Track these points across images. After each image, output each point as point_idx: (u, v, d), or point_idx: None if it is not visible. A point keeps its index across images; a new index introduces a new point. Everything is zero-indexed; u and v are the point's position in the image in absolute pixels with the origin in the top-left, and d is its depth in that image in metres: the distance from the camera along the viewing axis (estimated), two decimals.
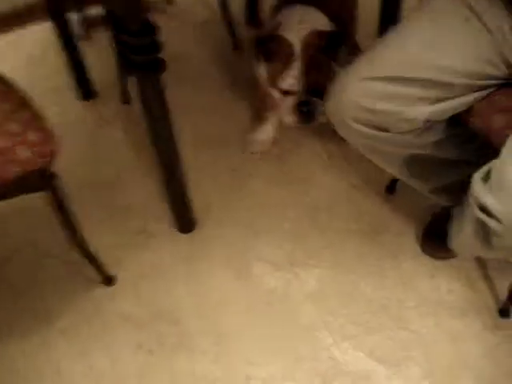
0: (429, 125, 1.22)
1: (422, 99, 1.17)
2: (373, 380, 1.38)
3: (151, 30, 1.21)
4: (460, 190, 1.35)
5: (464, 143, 1.29)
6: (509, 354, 1.40)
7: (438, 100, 1.18)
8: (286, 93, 1.59)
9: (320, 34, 1.55)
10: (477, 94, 1.19)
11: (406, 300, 1.51)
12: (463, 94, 1.18)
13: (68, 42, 1.92)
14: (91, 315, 1.51)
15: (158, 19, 2.24)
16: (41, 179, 1.24)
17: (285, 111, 1.63)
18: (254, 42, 1.60)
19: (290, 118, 1.63)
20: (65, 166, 1.78)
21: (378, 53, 1.21)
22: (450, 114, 1.21)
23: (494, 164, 1.03)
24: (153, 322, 1.50)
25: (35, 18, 2.12)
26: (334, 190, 1.77)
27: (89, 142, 1.94)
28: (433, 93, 1.16)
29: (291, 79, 1.55)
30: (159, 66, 1.26)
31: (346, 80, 1.22)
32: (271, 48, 1.57)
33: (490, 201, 1.01)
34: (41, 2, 1.85)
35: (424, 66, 1.15)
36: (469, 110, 1.21)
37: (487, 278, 1.54)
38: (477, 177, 1.06)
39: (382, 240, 1.63)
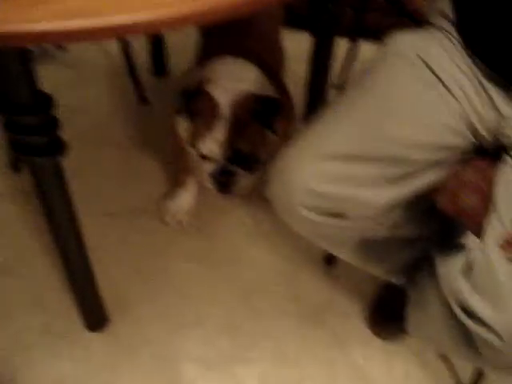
0: (389, 207, 1.03)
1: (379, 179, 0.98)
2: None
3: (46, 102, 0.96)
4: (415, 268, 1.19)
5: (427, 220, 1.12)
6: None
7: (397, 179, 0.99)
8: (204, 157, 1.38)
9: (254, 98, 1.34)
10: (439, 170, 1.02)
11: None
12: (424, 170, 1.00)
13: None
14: None
15: (46, 69, 2.04)
16: None
17: (202, 177, 1.42)
18: (178, 95, 1.36)
19: (207, 184, 1.42)
20: None
21: (328, 126, 1.01)
22: (412, 195, 1.02)
23: (476, 258, 0.87)
24: None
25: None
26: (265, 266, 1.55)
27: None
28: (391, 170, 0.98)
29: (212, 144, 1.34)
30: (59, 147, 1.00)
31: (291, 159, 1.01)
32: (196, 104, 1.35)
33: (478, 305, 0.85)
34: None
35: (381, 138, 0.97)
36: (435, 189, 1.03)
37: (446, 358, 1.38)
38: (454, 271, 0.89)
39: (325, 322, 1.44)
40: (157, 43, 2.01)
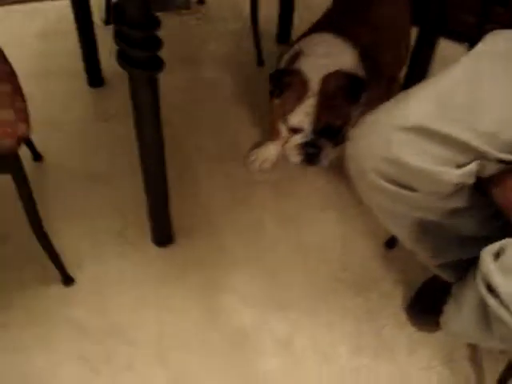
0: (457, 189, 1.06)
1: (453, 160, 1.01)
2: None
3: (154, 24, 1.10)
4: (466, 269, 1.21)
5: (487, 218, 1.14)
6: None
7: (471, 162, 1.02)
8: (293, 130, 1.47)
9: (342, 76, 1.42)
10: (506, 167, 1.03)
11: (381, 373, 1.36)
12: (495, 163, 1.02)
13: (85, 24, 1.81)
14: (39, 314, 1.39)
15: (189, 20, 2.23)
16: (3, 160, 1.13)
17: (290, 149, 1.51)
18: (270, 76, 1.48)
19: (294, 157, 1.51)
20: (55, 153, 1.71)
21: (416, 96, 1.05)
22: (476, 177, 1.05)
23: (509, 243, 0.90)
24: (104, 336, 1.37)
25: None
26: (328, 233, 1.63)
27: (87, 131, 1.83)
28: (463, 156, 1.01)
29: (302, 115, 1.43)
30: (157, 64, 1.14)
31: (373, 125, 1.06)
32: (287, 81, 1.44)
33: (499, 281, 0.87)
34: None
35: (460, 121, 0.99)
36: (492, 179, 1.05)
37: (473, 360, 1.39)
38: (487, 253, 0.92)
39: (367, 297, 1.49)
40: (286, 12, 2.13)
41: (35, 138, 1.66)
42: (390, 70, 1.60)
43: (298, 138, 1.48)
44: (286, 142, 1.52)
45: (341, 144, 1.49)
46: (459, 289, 1.17)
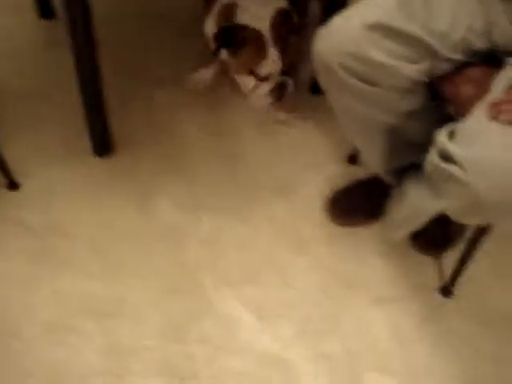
0: (413, 87, 1.21)
1: (410, 57, 1.16)
2: (242, 327, 1.38)
3: None
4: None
5: (435, 124, 1.23)
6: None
7: (423, 61, 1.17)
8: (263, 79, 1.60)
9: (285, 12, 1.55)
10: (452, 65, 1.19)
11: (299, 263, 1.51)
12: (445, 61, 1.18)
13: None
14: None
15: None
16: None
17: (258, 95, 1.63)
18: (216, 34, 1.58)
19: (263, 100, 1.65)
20: (4, 77, 1.81)
21: (374, 1, 1.19)
22: (430, 76, 1.20)
23: (458, 126, 1.04)
24: (46, 233, 1.50)
25: None
26: (263, 147, 1.76)
27: (35, 58, 1.93)
28: (420, 52, 1.16)
29: (270, 65, 1.56)
30: None
31: (341, 24, 1.19)
32: (238, 38, 1.55)
33: (453, 148, 1.01)
34: None
35: (417, 20, 1.14)
36: (443, 77, 1.21)
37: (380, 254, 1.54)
38: (441, 132, 1.06)
39: (288, 200, 1.63)
40: None
41: None
42: None
43: (267, 86, 1.61)
44: (253, 91, 1.65)
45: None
46: (400, 188, 1.39)
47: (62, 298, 1.39)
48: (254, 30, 1.54)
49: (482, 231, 1.34)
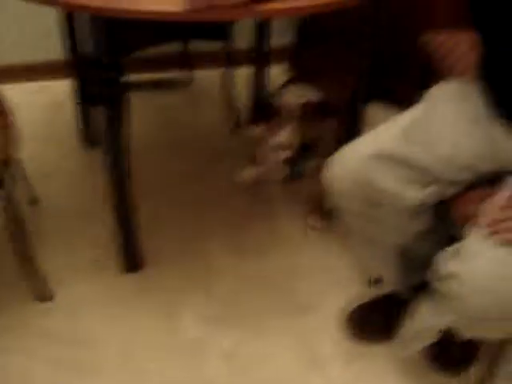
0: (418, 211, 1.29)
1: (414, 181, 1.25)
2: None
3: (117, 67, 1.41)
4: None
5: (444, 243, 1.31)
6: None
7: (430, 185, 1.26)
8: (279, 147, 1.73)
9: (316, 103, 1.72)
10: (461, 186, 1.28)
11: (314, 381, 1.53)
12: (450, 186, 1.27)
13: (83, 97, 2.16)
14: (18, 325, 1.61)
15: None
16: None
17: (275, 167, 1.76)
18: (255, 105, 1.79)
19: (279, 174, 1.76)
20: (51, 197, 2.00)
21: (380, 131, 1.33)
22: (438, 199, 1.29)
23: (464, 244, 1.13)
24: (76, 345, 1.57)
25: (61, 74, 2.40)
26: (282, 267, 1.84)
27: (77, 182, 2.12)
28: (425, 177, 1.25)
29: (286, 134, 1.69)
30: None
31: (347, 153, 1.32)
32: (271, 110, 1.73)
33: (454, 266, 1.09)
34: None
35: (420, 149, 1.25)
36: (452, 198, 1.30)
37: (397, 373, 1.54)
38: (445, 252, 1.14)
39: (308, 317, 1.67)
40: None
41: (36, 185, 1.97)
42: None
43: (283, 154, 1.72)
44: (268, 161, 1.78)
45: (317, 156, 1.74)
46: (415, 303, 1.42)
47: None
48: (285, 104, 1.71)
49: (500, 349, 1.35)
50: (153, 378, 1.51)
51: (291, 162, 1.72)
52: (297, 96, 1.74)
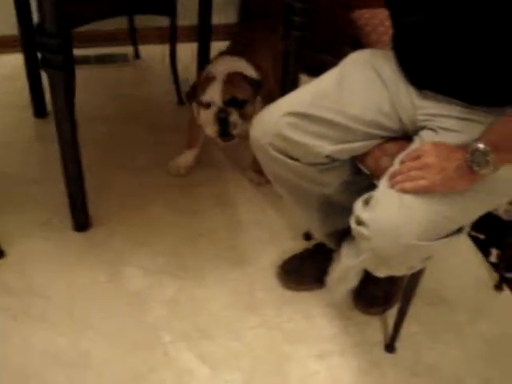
0: (333, 165, 1.46)
1: (326, 137, 1.40)
2: (196, 377, 1.52)
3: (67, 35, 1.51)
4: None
5: (362, 193, 1.45)
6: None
7: (340, 142, 1.41)
8: (207, 105, 1.87)
9: (241, 76, 1.87)
10: (374, 143, 1.43)
11: (249, 321, 1.67)
12: (362, 140, 1.42)
13: (33, 68, 2.26)
14: None
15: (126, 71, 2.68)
16: None
17: (207, 122, 1.89)
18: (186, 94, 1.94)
19: (211, 129, 1.88)
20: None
21: (297, 92, 1.50)
22: (349, 154, 1.45)
23: (374, 193, 1.29)
24: (25, 294, 1.68)
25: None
26: (222, 225, 1.98)
27: (28, 149, 2.21)
28: (336, 134, 1.40)
29: (212, 92, 1.85)
30: (69, 67, 1.55)
31: (268, 112, 1.48)
32: (199, 80, 1.89)
33: (364, 214, 1.26)
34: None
35: (331, 108, 1.40)
36: (365, 153, 1.46)
37: (325, 315, 1.71)
38: (359, 200, 1.30)
39: (245, 269, 1.82)
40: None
41: None
42: (270, 87, 2.05)
43: (211, 111, 1.86)
44: (204, 122, 1.90)
45: (246, 120, 1.87)
46: (338, 250, 1.58)
47: (34, 350, 1.54)
48: (210, 72, 1.89)
49: (410, 288, 1.53)
50: (96, 325, 1.62)
51: (220, 118, 1.85)
52: (223, 67, 1.90)
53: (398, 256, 1.24)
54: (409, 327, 1.63)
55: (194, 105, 1.96)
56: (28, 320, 1.61)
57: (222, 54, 2.08)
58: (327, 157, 1.42)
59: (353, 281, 1.55)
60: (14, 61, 2.51)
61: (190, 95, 1.98)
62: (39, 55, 2.03)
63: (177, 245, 1.88)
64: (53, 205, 1.95)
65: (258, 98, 1.94)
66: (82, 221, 1.88)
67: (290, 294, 1.76)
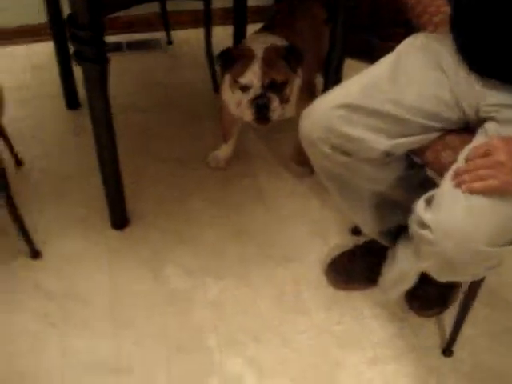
0: (387, 160, 1.35)
1: (382, 131, 1.30)
2: (243, 383, 1.46)
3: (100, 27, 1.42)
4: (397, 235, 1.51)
5: (417, 188, 1.39)
6: None
7: (397, 135, 1.31)
8: (244, 89, 1.75)
9: (281, 47, 1.75)
10: (432, 136, 1.33)
11: (297, 324, 1.59)
12: (420, 134, 1.32)
13: (65, 59, 2.18)
14: (6, 280, 1.65)
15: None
16: None
17: (244, 107, 1.77)
18: (220, 54, 1.79)
19: (248, 113, 1.77)
20: (36, 159, 2.03)
21: (349, 83, 1.38)
22: (406, 148, 1.34)
23: (437, 192, 1.18)
24: (64, 298, 1.62)
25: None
26: (264, 220, 1.89)
27: (62, 142, 2.14)
28: (392, 127, 1.30)
29: (251, 74, 1.72)
30: (102, 59, 1.46)
31: (318, 105, 1.37)
32: (236, 54, 1.76)
33: (426, 216, 1.15)
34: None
35: (386, 99, 1.29)
36: (424, 146, 1.35)
37: (377, 316, 1.62)
38: (421, 200, 1.19)
39: (290, 267, 1.74)
40: None
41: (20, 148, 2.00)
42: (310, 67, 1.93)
43: (249, 94, 1.74)
44: (240, 104, 1.79)
45: (284, 103, 1.79)
46: (393, 249, 1.51)
47: (74, 358, 1.48)
48: (248, 48, 1.75)
49: (472, 291, 1.43)
50: (141, 325, 1.56)
51: (258, 101, 1.74)
52: (261, 42, 1.79)
53: (464, 263, 1.13)
54: (465, 329, 1.53)
55: (228, 78, 1.83)
56: (68, 326, 1.56)
57: (258, 31, 1.96)
58: (383, 152, 1.32)
59: (409, 283, 1.46)
60: (45, 49, 2.44)
61: (226, 64, 1.80)
62: (70, 46, 1.97)
63: (218, 242, 1.81)
64: (89, 201, 1.89)
65: (297, 80, 1.83)
66: (120, 217, 1.81)
67: (339, 294, 1.67)
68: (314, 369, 1.49)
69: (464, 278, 1.26)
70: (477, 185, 1.11)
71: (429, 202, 1.18)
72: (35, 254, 1.71)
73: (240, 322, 1.58)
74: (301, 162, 1.97)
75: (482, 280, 1.38)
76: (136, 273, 1.70)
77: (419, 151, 1.37)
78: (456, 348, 1.53)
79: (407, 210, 1.25)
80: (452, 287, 1.61)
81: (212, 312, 1.60)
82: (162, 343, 1.52)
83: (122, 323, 1.57)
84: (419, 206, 1.18)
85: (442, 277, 1.24)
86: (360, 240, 1.76)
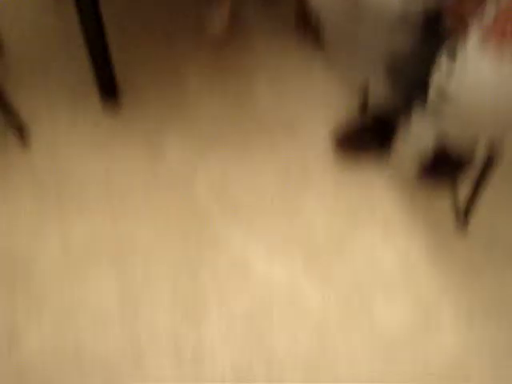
0: (403, 20, 1.20)
1: None
2: (253, 257, 1.41)
3: None
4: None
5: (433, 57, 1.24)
6: None
7: None
8: None
9: None
10: None
11: (306, 195, 1.51)
12: None
13: None
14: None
15: None
16: None
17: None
18: None
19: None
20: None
21: None
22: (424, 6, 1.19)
23: (460, 54, 1.06)
24: (58, 183, 1.53)
25: None
26: (271, 91, 1.75)
27: (44, 16, 1.93)
28: None
29: None
30: None
31: None
32: None
33: (449, 86, 1.06)
34: None
35: None
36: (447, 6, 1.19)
37: (388, 191, 1.55)
38: (441, 63, 1.09)
39: (296, 142, 1.63)
40: None
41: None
42: None
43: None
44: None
45: None
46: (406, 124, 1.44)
47: (74, 244, 1.42)
48: None
49: (489, 160, 1.34)
50: (140, 207, 1.48)
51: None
52: None
53: (485, 114, 1.05)
54: (481, 205, 1.47)
55: None
56: (64, 212, 1.47)
57: None
58: (401, 11, 1.17)
59: (424, 158, 1.37)
60: None
61: None
62: None
63: (218, 115, 1.67)
64: (77, 74, 1.73)
65: None
66: (110, 89, 1.67)
67: (347, 166, 1.58)
68: (325, 243, 1.43)
69: (484, 134, 1.19)
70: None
71: (452, 57, 1.07)
72: (24, 136, 1.59)
73: (244, 200, 1.51)
74: (304, 30, 1.80)
75: (499, 150, 1.29)
76: (132, 149, 1.59)
77: (443, 12, 1.20)
78: (471, 223, 1.48)
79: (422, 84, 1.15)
80: (465, 163, 1.53)
81: (216, 187, 1.52)
82: (163, 223, 1.45)
83: (120, 204, 1.49)
84: (440, 71, 1.08)
85: (462, 134, 1.17)
86: (368, 115, 1.64)
